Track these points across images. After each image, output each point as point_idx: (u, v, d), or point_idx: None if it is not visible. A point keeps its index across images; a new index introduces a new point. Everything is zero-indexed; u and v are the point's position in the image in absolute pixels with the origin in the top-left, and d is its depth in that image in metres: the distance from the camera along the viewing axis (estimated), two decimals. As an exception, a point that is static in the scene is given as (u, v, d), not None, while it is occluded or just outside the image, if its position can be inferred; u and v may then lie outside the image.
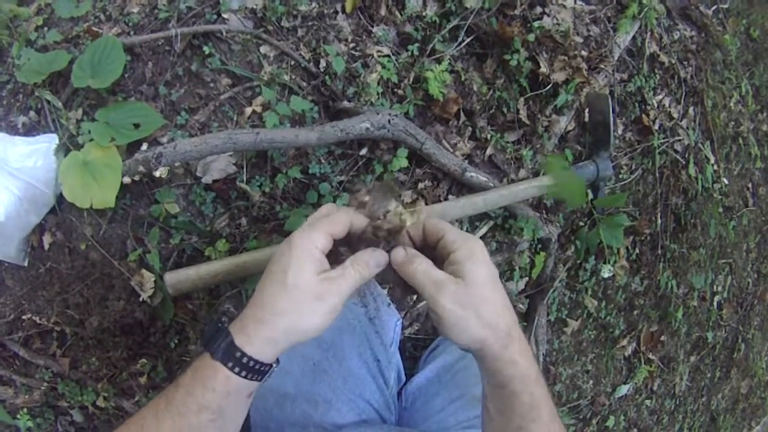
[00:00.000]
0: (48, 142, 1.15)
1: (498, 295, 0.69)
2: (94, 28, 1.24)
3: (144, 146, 1.15)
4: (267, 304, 0.66)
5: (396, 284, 0.74)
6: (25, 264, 1.21)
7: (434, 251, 0.72)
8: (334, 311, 0.66)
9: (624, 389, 1.95)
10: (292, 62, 1.26)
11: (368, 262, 0.69)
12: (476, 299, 0.66)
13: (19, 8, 1.30)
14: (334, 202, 1.23)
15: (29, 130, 1.22)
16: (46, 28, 1.27)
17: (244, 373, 0.65)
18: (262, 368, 0.66)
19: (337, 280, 0.67)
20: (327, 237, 0.68)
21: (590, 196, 1.56)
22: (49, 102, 1.20)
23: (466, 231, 1.42)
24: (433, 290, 0.66)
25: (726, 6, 2.20)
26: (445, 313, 0.65)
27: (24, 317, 1.23)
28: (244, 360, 0.64)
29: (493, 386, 0.71)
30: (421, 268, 0.67)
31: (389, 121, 1.19)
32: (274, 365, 0.68)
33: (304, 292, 0.65)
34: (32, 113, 1.23)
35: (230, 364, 0.64)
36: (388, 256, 0.70)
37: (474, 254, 0.67)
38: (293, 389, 1.02)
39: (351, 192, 0.74)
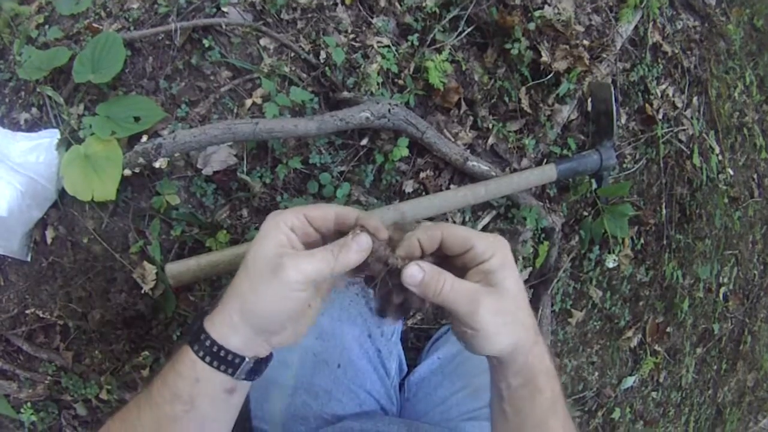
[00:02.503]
0: (50, 137, 1.16)
1: (524, 296, 0.65)
2: (94, 25, 1.24)
3: (144, 139, 1.15)
4: (232, 286, 0.62)
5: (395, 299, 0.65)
6: (28, 259, 1.22)
7: (450, 257, 0.65)
8: (294, 289, 0.58)
9: (630, 381, 1.94)
10: (292, 54, 1.26)
11: (348, 243, 0.60)
12: (512, 305, 0.62)
13: (20, 6, 1.31)
14: (335, 191, 1.23)
15: (31, 127, 1.22)
16: (47, 26, 1.28)
17: (208, 359, 0.60)
18: (229, 357, 0.61)
19: (299, 254, 0.59)
20: (299, 217, 0.63)
21: (594, 185, 1.55)
22: (50, 98, 1.20)
23: (469, 220, 1.42)
24: (468, 306, 0.60)
25: (729, -5, 2.19)
26: (484, 326, 0.60)
27: (27, 311, 1.23)
28: (208, 343, 0.60)
29: (515, 386, 0.66)
30: (448, 286, 0.60)
31: (389, 110, 1.19)
32: (248, 359, 0.62)
33: (260, 267, 0.59)
34: (34, 110, 1.23)
35: (195, 347, 0.61)
36: (371, 239, 0.61)
37: (506, 262, 0.63)
38: (293, 380, 1.01)
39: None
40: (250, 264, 0.61)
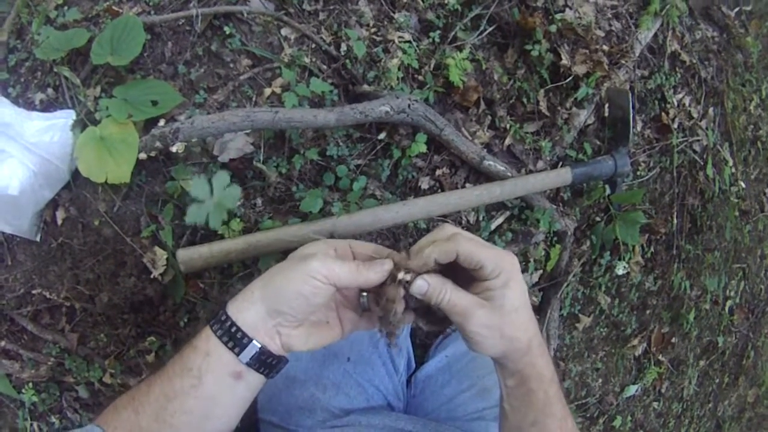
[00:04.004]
0: (65, 117, 1.15)
1: (523, 313, 0.70)
2: (114, 8, 1.23)
3: (161, 123, 1.15)
4: (266, 271, 0.69)
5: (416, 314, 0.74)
6: (38, 239, 1.21)
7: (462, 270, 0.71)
8: (314, 276, 0.64)
9: (632, 390, 1.94)
10: (313, 45, 1.25)
11: (373, 263, 0.68)
12: (501, 321, 0.67)
13: (39, -14, 1.30)
14: (351, 184, 1.22)
15: (46, 107, 1.21)
16: (66, 7, 1.27)
17: (219, 333, 0.65)
18: (238, 335, 0.65)
19: (329, 257, 0.68)
20: (345, 242, 0.73)
21: (607, 191, 1.55)
22: (67, 78, 1.19)
23: (483, 220, 1.41)
24: (460, 317, 0.67)
25: (749, 8, 2.18)
26: (472, 335, 0.67)
27: (34, 292, 1.22)
28: (223, 318, 0.66)
29: (510, 386, 0.73)
30: (447, 297, 0.67)
31: (409, 105, 1.18)
32: (255, 341, 0.66)
33: (295, 257, 0.69)
34: (50, 90, 1.22)
35: (212, 321, 0.67)
36: (392, 264, 0.69)
37: (508, 283, 0.68)
38: (302, 373, 1.02)
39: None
40: (289, 257, 0.70)
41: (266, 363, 0.67)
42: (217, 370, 0.66)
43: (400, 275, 0.68)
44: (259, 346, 0.66)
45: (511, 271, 0.68)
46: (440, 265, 0.69)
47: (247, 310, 0.66)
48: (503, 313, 0.67)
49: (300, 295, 0.64)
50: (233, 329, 0.65)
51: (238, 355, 0.65)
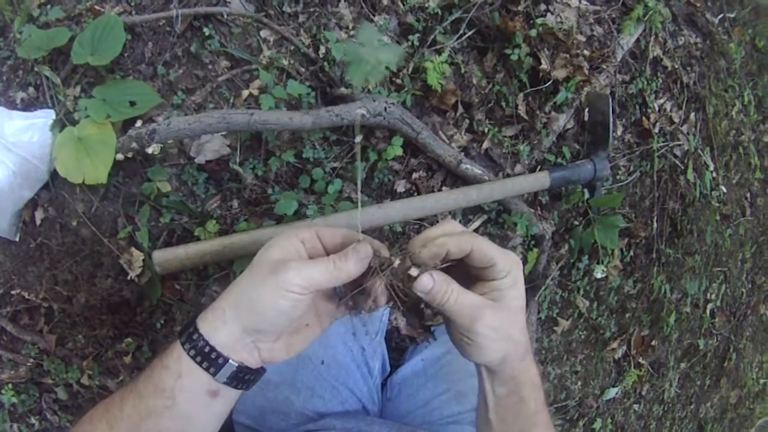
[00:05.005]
0: (44, 117, 1.15)
1: (523, 314, 0.68)
2: (96, 7, 1.23)
3: (138, 123, 1.15)
4: (232, 284, 0.64)
5: (403, 307, 0.68)
6: (17, 239, 1.21)
7: (466, 265, 0.67)
8: (290, 289, 0.58)
9: (612, 392, 1.95)
10: (292, 47, 1.26)
11: (347, 252, 0.62)
12: (508, 322, 0.65)
13: (22, -16, 1.30)
14: (327, 187, 1.23)
15: (27, 106, 1.21)
16: (48, 6, 1.26)
17: (193, 353, 0.61)
18: (212, 355, 0.61)
19: (301, 260, 0.62)
20: (311, 231, 0.67)
21: (586, 195, 1.55)
22: (47, 78, 1.19)
23: (460, 223, 1.42)
24: (468, 320, 0.63)
25: (732, 15, 2.20)
26: (478, 338, 0.63)
27: (13, 292, 1.22)
28: (195, 337, 0.61)
29: (500, 395, 0.70)
30: (453, 297, 0.62)
31: (385, 108, 1.19)
32: (232, 361, 0.61)
33: (263, 266, 0.62)
34: (31, 89, 1.22)
35: (182, 339, 0.62)
36: (371, 248, 0.63)
37: (516, 282, 0.65)
38: (276, 375, 1.01)
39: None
40: (255, 263, 0.63)
41: (244, 379, 0.64)
42: (191, 390, 0.62)
43: (404, 266, 0.63)
44: (236, 365, 0.62)
45: (518, 272, 0.66)
46: (441, 263, 0.65)
47: (220, 329, 0.61)
48: (510, 314, 0.65)
49: (279, 311, 0.60)
50: (206, 349, 0.61)
51: (214, 375, 0.61)
